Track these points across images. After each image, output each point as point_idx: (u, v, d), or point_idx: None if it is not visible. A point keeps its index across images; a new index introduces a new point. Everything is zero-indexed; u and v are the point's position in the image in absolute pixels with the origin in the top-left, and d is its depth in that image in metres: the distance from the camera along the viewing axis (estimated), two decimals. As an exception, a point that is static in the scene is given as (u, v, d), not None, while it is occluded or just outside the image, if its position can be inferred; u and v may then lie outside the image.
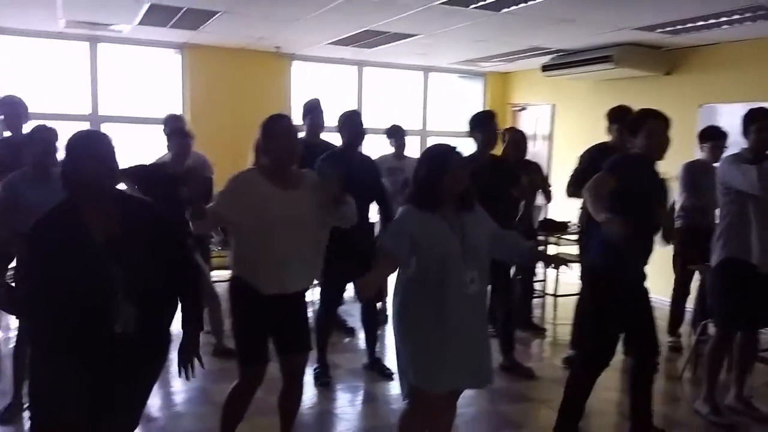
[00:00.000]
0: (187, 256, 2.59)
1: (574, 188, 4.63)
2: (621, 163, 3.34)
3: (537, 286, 6.36)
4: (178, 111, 7.20)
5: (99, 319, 2.12)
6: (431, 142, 8.83)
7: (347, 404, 4.19)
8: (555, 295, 6.49)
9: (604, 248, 3.31)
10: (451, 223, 2.69)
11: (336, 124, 4.42)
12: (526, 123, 8.92)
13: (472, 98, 9.43)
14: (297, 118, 7.65)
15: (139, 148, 7.12)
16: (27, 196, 3.43)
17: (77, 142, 2.19)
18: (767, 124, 3.74)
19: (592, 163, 4.58)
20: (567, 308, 5.46)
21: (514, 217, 4.80)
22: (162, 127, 5.47)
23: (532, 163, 5.50)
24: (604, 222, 3.03)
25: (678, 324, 5.40)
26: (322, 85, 8.49)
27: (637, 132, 3.30)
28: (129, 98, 7.53)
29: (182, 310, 2.49)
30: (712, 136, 5.12)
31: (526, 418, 4.06)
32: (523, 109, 9.00)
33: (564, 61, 7.15)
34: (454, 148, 2.76)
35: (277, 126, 2.97)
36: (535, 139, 8.68)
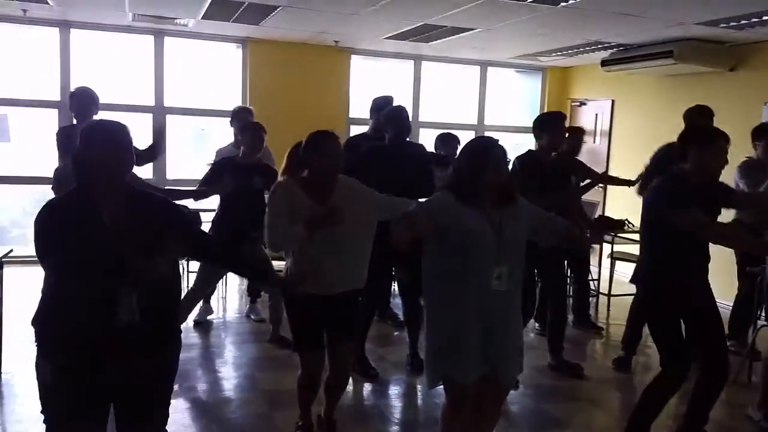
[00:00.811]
0: (206, 241, 2.67)
1: (640, 188, 4.67)
2: (687, 191, 3.16)
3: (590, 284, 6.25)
4: (242, 104, 7.43)
5: (106, 307, 2.12)
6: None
7: (392, 397, 4.25)
8: (609, 295, 6.38)
9: (662, 262, 3.27)
10: (490, 217, 2.68)
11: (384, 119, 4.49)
12: (585, 118, 8.78)
13: (531, 93, 9.33)
14: (355, 111, 7.79)
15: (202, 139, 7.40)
16: None
17: (95, 128, 2.23)
18: None
19: (659, 163, 4.59)
20: (621, 308, 5.36)
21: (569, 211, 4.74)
22: (229, 119, 5.67)
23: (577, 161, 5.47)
24: None
25: (739, 328, 5.22)
26: (380, 79, 8.57)
27: (706, 144, 3.16)
28: (192, 91, 7.77)
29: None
30: (767, 134, 4.91)
31: (570, 417, 4.02)
32: (583, 104, 8.86)
33: (624, 56, 7.00)
34: (497, 141, 2.77)
35: (323, 145, 3.06)
36: (595, 135, 8.54)
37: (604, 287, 6.48)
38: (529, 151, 4.74)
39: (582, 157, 5.52)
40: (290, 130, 7.57)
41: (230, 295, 6.39)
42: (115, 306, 2.11)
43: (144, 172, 7.53)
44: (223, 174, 4.58)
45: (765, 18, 5.28)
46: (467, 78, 8.97)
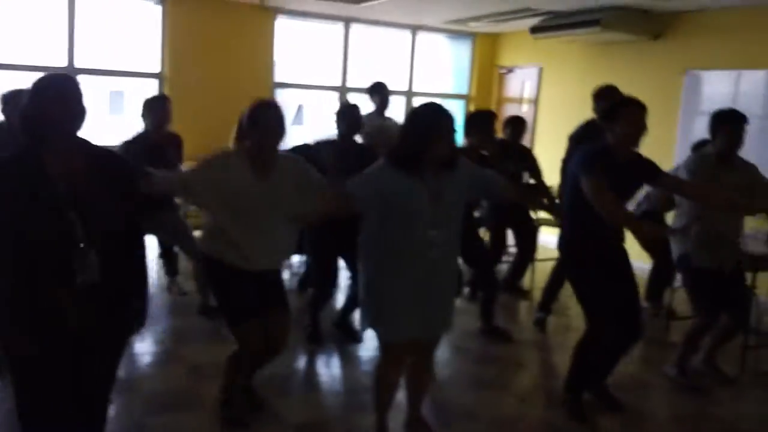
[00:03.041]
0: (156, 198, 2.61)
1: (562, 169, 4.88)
2: (594, 160, 3.29)
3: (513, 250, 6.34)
4: (157, 70, 7.06)
5: (63, 269, 2.07)
6: (417, 103, 8.80)
7: (317, 365, 4.21)
8: (534, 260, 6.48)
9: (581, 227, 3.39)
10: (428, 184, 2.67)
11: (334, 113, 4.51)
12: (513, 85, 8.84)
13: (460, 59, 9.31)
14: (280, 75, 7.55)
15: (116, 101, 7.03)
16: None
17: (44, 84, 2.11)
18: (739, 128, 3.74)
19: (578, 140, 4.75)
20: (546, 273, 5.48)
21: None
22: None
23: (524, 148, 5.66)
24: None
25: (656, 291, 5.42)
26: (308, 41, 8.34)
27: (615, 119, 3.27)
28: (107, 50, 7.36)
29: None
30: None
31: (500, 378, 4.10)
32: (511, 71, 8.90)
33: (553, 24, 7.03)
34: (446, 110, 2.70)
35: (264, 114, 2.94)
36: (521, 102, 8.62)
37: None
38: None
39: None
40: (211, 93, 7.39)
41: (150, 268, 6.15)
42: (72, 269, 2.07)
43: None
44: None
45: (688, -13, 5.39)
46: (397, 43, 8.85)
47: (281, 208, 2.95)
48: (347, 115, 4.41)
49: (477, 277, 5.02)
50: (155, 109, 4.64)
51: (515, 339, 4.69)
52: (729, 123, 3.77)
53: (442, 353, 4.30)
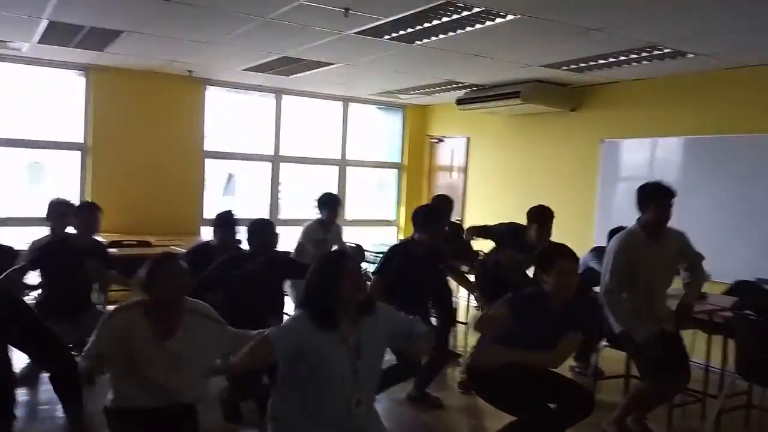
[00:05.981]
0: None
1: (475, 235, 5.17)
2: (521, 302, 3.35)
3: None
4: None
5: None
6: (350, 172, 8.89)
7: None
8: (466, 323, 6.50)
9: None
10: (347, 340, 2.54)
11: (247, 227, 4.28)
12: (443, 154, 9.05)
13: (392, 129, 9.51)
14: (211, 144, 7.45)
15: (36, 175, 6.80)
16: None
17: None
18: (668, 203, 3.75)
19: (502, 238, 5.03)
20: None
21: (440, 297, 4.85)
22: (46, 212, 5.13)
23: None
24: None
25: (584, 351, 5.45)
26: (239, 111, 8.35)
27: (548, 270, 3.28)
28: (29, 121, 7.15)
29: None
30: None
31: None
32: (441, 141, 9.13)
33: (477, 96, 7.31)
34: (348, 255, 2.71)
35: (160, 268, 2.81)
36: (452, 170, 8.82)
37: (461, 315, 6.59)
38: (406, 242, 4.76)
39: (441, 191, 5.63)
40: (138, 165, 7.25)
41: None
42: None
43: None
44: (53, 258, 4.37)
45: (601, 62, 5.69)
46: (330, 113, 8.97)
47: (185, 365, 2.76)
48: (260, 233, 4.20)
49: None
50: (83, 216, 4.58)
51: (446, 405, 4.60)
52: (658, 198, 3.75)
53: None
